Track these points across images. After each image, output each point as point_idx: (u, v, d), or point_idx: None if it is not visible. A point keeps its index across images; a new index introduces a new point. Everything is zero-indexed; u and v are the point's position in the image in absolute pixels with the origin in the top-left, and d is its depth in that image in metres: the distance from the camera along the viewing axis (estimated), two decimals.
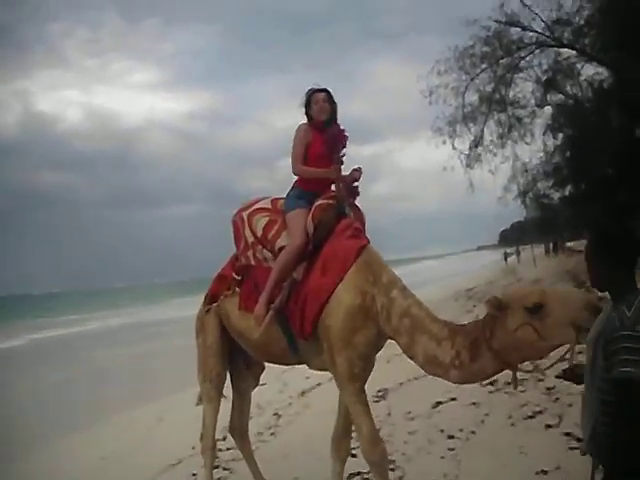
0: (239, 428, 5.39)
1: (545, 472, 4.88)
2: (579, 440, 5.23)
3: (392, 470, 5.39)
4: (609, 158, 26.15)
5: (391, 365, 9.57)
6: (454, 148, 27.86)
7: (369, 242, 4.28)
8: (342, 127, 4.48)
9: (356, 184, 4.55)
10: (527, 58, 26.84)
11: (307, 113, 4.60)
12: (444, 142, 27.68)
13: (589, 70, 27.84)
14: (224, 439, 6.43)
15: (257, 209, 4.64)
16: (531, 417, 6.31)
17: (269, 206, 4.65)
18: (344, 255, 4.07)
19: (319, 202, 4.35)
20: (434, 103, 26.84)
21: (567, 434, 5.52)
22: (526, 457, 5.32)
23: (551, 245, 53.79)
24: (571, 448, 5.22)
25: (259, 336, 4.28)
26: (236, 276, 4.65)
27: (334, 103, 4.59)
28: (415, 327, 3.80)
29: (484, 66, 26.61)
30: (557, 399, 6.70)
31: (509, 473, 5.01)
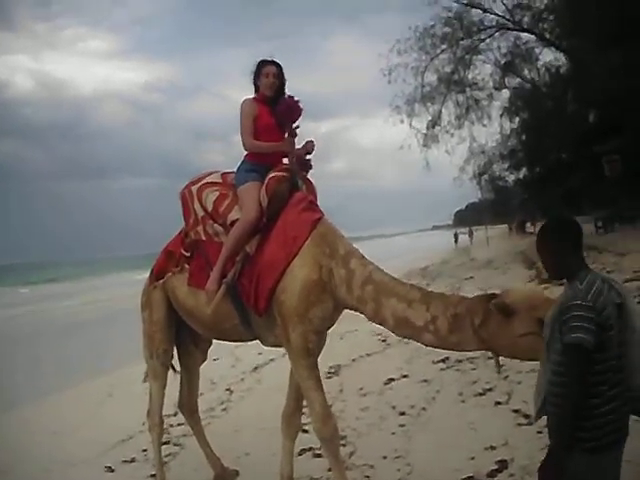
0: (188, 404, 5.30)
1: (494, 448, 4.95)
2: (527, 417, 5.35)
3: (343, 446, 5.41)
4: (563, 143, 26.66)
5: (344, 341, 9.64)
6: (411, 127, 28.13)
7: (323, 215, 4.21)
8: (296, 99, 4.34)
9: (309, 157, 4.46)
10: (487, 41, 27.19)
11: (255, 83, 4.48)
12: (402, 121, 27.96)
13: (547, 56, 28.36)
14: (175, 415, 6.37)
15: (207, 183, 4.51)
16: (481, 394, 6.40)
17: (219, 180, 4.53)
18: (299, 228, 4.00)
19: (272, 174, 4.23)
20: (393, 82, 27.05)
21: (515, 411, 5.62)
22: (476, 433, 5.39)
23: (515, 224, 54.40)
24: (519, 424, 5.33)
25: (210, 313, 4.19)
26: (185, 253, 4.53)
27: (284, 78, 4.48)
28: (380, 292, 3.74)
29: (444, 47, 26.83)
30: (507, 377, 6.81)
31: (459, 449, 5.07)
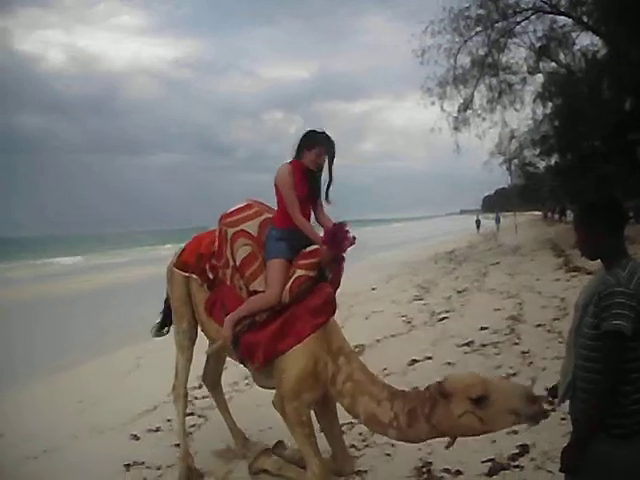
0: (212, 378, 5.44)
1: (515, 432, 4.95)
2: (550, 403, 5.33)
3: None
4: (598, 130, 26.17)
5: (369, 322, 9.68)
6: (443, 110, 27.83)
7: (334, 312, 4.24)
8: (347, 228, 4.10)
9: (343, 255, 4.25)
10: (522, 24, 26.62)
11: (299, 150, 4.22)
12: (433, 103, 27.65)
13: (584, 40, 27.68)
14: (200, 387, 6.47)
15: (241, 231, 4.37)
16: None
17: (254, 232, 4.36)
18: (307, 322, 4.11)
19: (300, 274, 4.12)
20: (425, 63, 26.72)
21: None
22: None
23: (557, 210, 53.41)
24: None
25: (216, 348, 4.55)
26: (210, 274, 4.59)
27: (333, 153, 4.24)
28: (356, 390, 4.00)
29: (478, 29, 26.39)
30: (531, 363, 6.80)
31: None
